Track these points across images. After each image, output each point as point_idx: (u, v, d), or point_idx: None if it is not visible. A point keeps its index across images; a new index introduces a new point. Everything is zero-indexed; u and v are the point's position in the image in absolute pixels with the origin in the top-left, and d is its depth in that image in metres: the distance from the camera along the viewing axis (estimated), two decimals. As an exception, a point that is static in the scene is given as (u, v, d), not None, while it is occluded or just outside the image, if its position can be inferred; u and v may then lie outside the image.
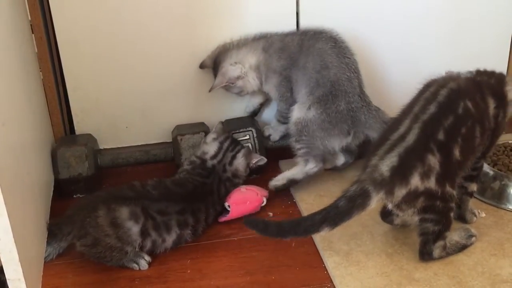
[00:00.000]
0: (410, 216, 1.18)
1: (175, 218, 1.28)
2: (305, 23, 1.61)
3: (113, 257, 1.23)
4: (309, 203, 1.45)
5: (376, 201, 1.13)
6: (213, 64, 1.56)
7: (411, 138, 1.14)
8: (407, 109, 1.21)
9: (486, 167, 1.44)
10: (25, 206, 1.19)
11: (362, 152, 1.58)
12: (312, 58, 1.48)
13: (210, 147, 1.45)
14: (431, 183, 1.14)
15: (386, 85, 1.70)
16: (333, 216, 1.12)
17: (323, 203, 1.44)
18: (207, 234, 1.36)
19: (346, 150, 1.55)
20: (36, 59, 1.56)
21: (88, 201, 1.28)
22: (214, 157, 1.44)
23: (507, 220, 1.35)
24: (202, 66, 1.60)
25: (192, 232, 1.31)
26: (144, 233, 1.24)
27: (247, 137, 1.58)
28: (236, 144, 1.47)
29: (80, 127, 1.65)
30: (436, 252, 1.20)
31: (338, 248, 1.27)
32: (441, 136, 1.14)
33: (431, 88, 1.21)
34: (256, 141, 1.58)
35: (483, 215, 1.37)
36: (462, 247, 1.24)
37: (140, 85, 1.62)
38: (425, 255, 1.21)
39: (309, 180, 1.51)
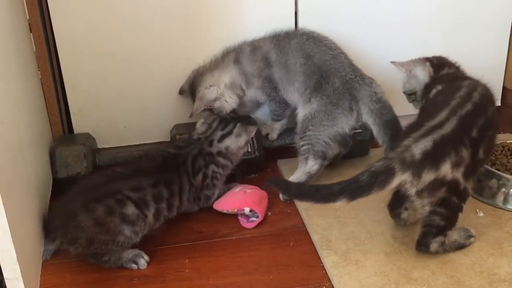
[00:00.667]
0: (423, 207, 1.19)
1: (150, 192, 1.28)
2: (303, 23, 1.61)
3: (111, 250, 1.23)
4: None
5: (398, 181, 1.13)
6: (190, 89, 1.58)
7: (448, 127, 1.17)
8: (443, 102, 1.24)
9: (485, 167, 1.44)
10: (23, 205, 1.19)
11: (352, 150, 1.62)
12: (292, 55, 1.50)
13: (200, 128, 1.47)
14: (460, 174, 1.16)
15: (385, 83, 1.70)
16: (352, 189, 1.12)
17: (321, 202, 1.45)
18: (205, 234, 1.36)
19: (340, 141, 1.54)
20: (34, 58, 1.55)
21: (65, 206, 1.26)
22: (202, 133, 1.45)
23: (505, 220, 1.35)
24: (181, 92, 1.62)
25: (167, 207, 1.31)
26: (126, 220, 1.23)
27: None
28: (226, 124, 1.47)
29: (78, 126, 1.64)
30: (434, 246, 1.21)
31: (336, 247, 1.27)
32: (474, 133, 1.19)
33: (464, 89, 1.26)
34: (254, 140, 1.58)
35: (481, 214, 1.38)
36: (459, 246, 1.24)
37: (139, 85, 1.62)
38: (422, 246, 1.21)
39: (313, 179, 1.51)
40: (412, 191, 1.15)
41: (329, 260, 1.23)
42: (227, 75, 1.54)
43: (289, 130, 1.65)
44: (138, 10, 1.55)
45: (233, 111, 1.57)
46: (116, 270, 1.24)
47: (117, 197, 1.24)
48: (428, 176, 1.14)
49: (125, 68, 1.59)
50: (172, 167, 1.36)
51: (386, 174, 1.11)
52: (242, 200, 1.39)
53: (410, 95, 1.47)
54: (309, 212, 1.41)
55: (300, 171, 1.51)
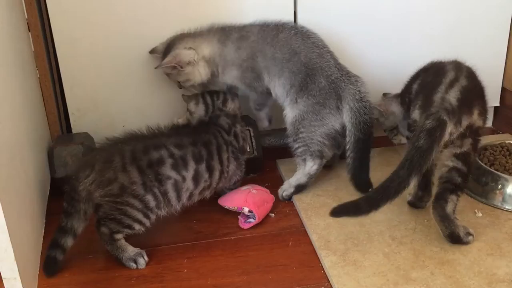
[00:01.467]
0: (449, 158, 1.25)
1: (190, 150, 1.31)
2: (303, 22, 1.61)
3: (131, 213, 1.24)
4: (306, 202, 1.45)
5: (449, 130, 1.17)
6: (165, 49, 1.51)
7: (464, 81, 1.26)
8: (440, 77, 1.29)
9: (483, 167, 1.45)
10: (21, 204, 1.19)
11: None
12: (280, 49, 1.48)
13: (198, 111, 1.48)
14: (481, 123, 1.25)
15: (384, 81, 1.70)
16: (417, 160, 1.12)
17: (320, 202, 1.45)
18: (204, 233, 1.36)
19: (333, 141, 1.53)
20: (33, 57, 1.55)
21: (111, 147, 1.28)
22: (206, 113, 1.47)
23: (504, 220, 1.35)
24: (152, 51, 1.56)
25: (207, 168, 1.33)
26: (163, 178, 1.26)
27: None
28: (217, 93, 1.50)
29: (76, 126, 1.64)
30: (449, 206, 1.23)
31: (335, 247, 1.27)
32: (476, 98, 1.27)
33: (452, 72, 1.31)
34: (253, 140, 1.58)
35: (480, 215, 1.38)
36: (458, 237, 1.25)
37: (137, 84, 1.62)
38: (441, 200, 1.24)
39: (313, 180, 1.51)
40: (455, 135, 1.19)
41: (328, 260, 1.23)
42: (208, 48, 1.50)
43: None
44: (137, 10, 1.55)
45: (202, 85, 1.54)
46: (114, 270, 1.24)
47: (161, 152, 1.27)
48: (465, 121, 1.21)
49: (123, 67, 1.59)
50: (208, 130, 1.40)
51: (440, 128, 1.14)
52: (243, 199, 1.39)
53: (392, 131, 1.58)
54: (308, 212, 1.41)
55: (299, 172, 1.50)
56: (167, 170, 1.27)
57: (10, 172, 1.12)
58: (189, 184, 1.30)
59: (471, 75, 1.31)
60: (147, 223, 1.27)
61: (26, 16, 1.52)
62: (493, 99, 1.85)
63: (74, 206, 1.23)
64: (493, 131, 1.90)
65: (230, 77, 1.53)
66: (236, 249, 1.30)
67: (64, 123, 1.68)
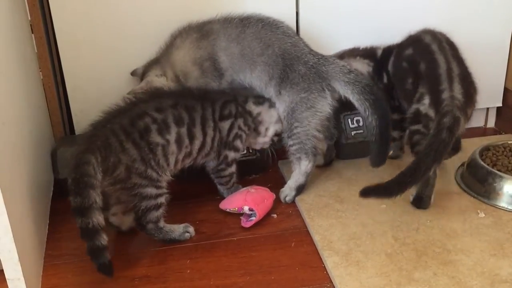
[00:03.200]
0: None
1: (171, 112, 1.31)
2: (304, 22, 1.61)
3: (147, 192, 1.26)
4: (308, 203, 1.46)
5: (462, 124, 1.31)
6: (142, 74, 1.55)
7: (456, 68, 1.37)
8: (434, 69, 1.38)
9: (486, 168, 1.45)
10: (24, 205, 1.19)
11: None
12: (248, 45, 1.47)
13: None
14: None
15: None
16: (440, 151, 1.27)
17: (323, 202, 1.45)
18: (206, 234, 1.36)
19: (326, 130, 1.53)
20: (36, 59, 1.56)
21: (101, 132, 1.25)
22: None
23: (506, 221, 1.35)
24: (133, 73, 1.59)
25: (188, 135, 1.33)
26: (151, 149, 1.26)
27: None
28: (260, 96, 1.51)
29: (80, 127, 1.64)
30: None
31: (338, 248, 1.27)
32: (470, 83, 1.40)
33: (441, 57, 1.41)
34: None
35: (482, 215, 1.37)
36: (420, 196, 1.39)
37: (140, 85, 1.62)
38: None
39: (311, 178, 1.51)
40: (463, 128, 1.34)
41: (330, 261, 1.23)
42: (170, 70, 1.50)
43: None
44: (140, 11, 1.55)
45: None
46: (117, 270, 1.23)
47: (145, 119, 1.27)
48: (469, 112, 1.36)
49: (126, 69, 1.59)
50: (196, 97, 1.39)
51: (457, 124, 1.28)
52: (243, 199, 1.40)
53: None
54: (311, 213, 1.41)
55: (296, 173, 1.49)
56: (155, 137, 1.28)
57: (13, 173, 1.13)
58: (173, 147, 1.31)
59: (455, 53, 1.42)
60: (164, 190, 1.29)
61: (29, 18, 1.52)
62: (495, 100, 1.85)
63: (88, 197, 1.15)
64: (495, 131, 1.89)
65: (193, 79, 1.51)
66: (239, 249, 1.30)
67: (67, 124, 1.69)
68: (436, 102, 1.35)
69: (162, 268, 1.25)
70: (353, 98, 1.42)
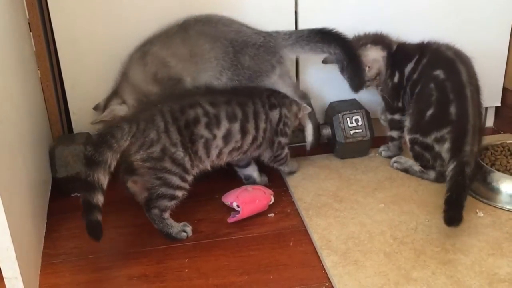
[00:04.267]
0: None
1: (224, 108, 1.33)
2: (303, 22, 1.61)
3: (171, 181, 1.27)
4: (307, 202, 1.45)
5: None
6: (104, 106, 1.57)
7: (477, 120, 1.44)
8: (461, 90, 1.44)
9: (485, 167, 1.45)
10: (22, 204, 1.19)
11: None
12: (195, 44, 1.48)
13: None
14: None
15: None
16: (465, 194, 1.33)
17: (321, 202, 1.45)
18: (204, 233, 1.36)
19: (300, 96, 1.58)
20: (34, 57, 1.55)
21: (149, 108, 1.28)
22: None
23: (505, 220, 1.35)
24: (95, 108, 1.60)
25: (241, 129, 1.36)
26: (197, 138, 1.30)
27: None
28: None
29: (78, 125, 1.64)
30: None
31: (336, 247, 1.27)
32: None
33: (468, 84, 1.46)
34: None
35: (481, 214, 1.37)
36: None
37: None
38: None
39: (309, 177, 1.51)
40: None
41: (329, 260, 1.23)
42: (130, 96, 1.53)
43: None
44: (138, 10, 1.55)
45: None
46: (115, 270, 1.24)
47: (196, 110, 1.29)
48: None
49: (124, 67, 1.59)
50: (245, 94, 1.42)
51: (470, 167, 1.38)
52: (235, 195, 1.41)
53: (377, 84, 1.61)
54: (309, 212, 1.41)
55: None
56: (201, 130, 1.31)
57: (11, 172, 1.13)
58: (218, 142, 1.34)
59: (478, 110, 1.46)
60: (187, 186, 1.31)
61: (28, 16, 1.52)
62: (494, 99, 1.85)
63: (102, 153, 1.16)
64: (494, 131, 1.89)
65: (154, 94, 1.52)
66: (237, 249, 1.30)
67: (65, 123, 1.68)
68: (456, 151, 1.41)
69: (160, 267, 1.25)
70: (307, 51, 1.50)
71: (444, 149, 1.45)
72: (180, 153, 1.28)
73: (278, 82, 1.51)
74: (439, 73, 1.47)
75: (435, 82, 1.47)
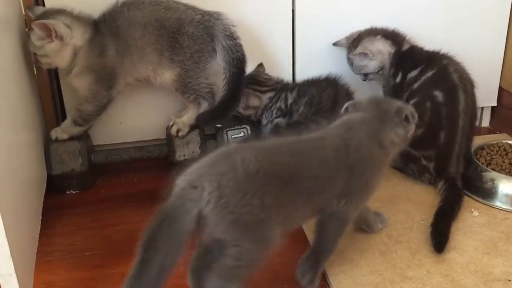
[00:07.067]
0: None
1: None
2: (300, 22, 1.61)
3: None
4: (303, 200, 1.45)
5: None
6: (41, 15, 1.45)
7: (464, 146, 1.47)
8: (455, 119, 1.45)
9: (480, 166, 1.45)
10: (17, 201, 1.18)
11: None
12: (127, 34, 1.43)
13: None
14: None
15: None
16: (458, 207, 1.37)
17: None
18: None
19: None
20: (30, 54, 1.54)
21: None
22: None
23: (500, 219, 1.36)
24: (31, 9, 1.46)
25: None
26: None
27: (242, 134, 1.58)
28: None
29: (73, 122, 1.63)
30: None
31: (332, 245, 1.27)
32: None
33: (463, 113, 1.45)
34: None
35: (476, 214, 1.38)
36: None
37: (135, 81, 1.61)
38: None
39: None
40: None
41: (324, 259, 1.23)
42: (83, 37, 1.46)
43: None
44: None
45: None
46: (111, 267, 1.23)
47: None
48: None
49: (121, 64, 1.59)
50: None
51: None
52: None
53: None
54: (305, 211, 1.40)
55: (192, 112, 1.52)
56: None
57: (6, 168, 1.12)
58: None
59: (467, 136, 1.48)
60: None
61: (24, 13, 1.51)
62: (490, 99, 1.85)
63: None
64: (490, 131, 1.90)
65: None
66: (233, 246, 1.30)
67: (61, 120, 1.67)
68: (441, 171, 1.46)
69: (156, 265, 1.24)
70: (221, 61, 1.46)
71: (431, 166, 1.47)
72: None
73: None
74: (438, 94, 1.45)
75: (432, 103, 1.45)
